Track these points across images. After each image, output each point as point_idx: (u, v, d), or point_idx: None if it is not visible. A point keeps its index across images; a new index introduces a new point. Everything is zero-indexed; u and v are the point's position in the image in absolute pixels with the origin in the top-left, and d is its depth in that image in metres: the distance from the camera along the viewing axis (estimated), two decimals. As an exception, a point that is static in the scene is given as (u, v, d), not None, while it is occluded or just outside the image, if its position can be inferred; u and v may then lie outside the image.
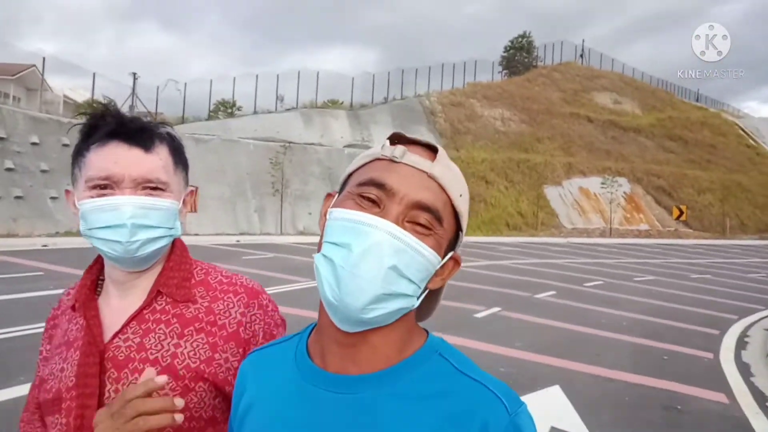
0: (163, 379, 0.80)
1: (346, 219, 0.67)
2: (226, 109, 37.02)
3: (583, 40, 61.72)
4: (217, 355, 0.97)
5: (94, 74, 29.47)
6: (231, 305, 1.01)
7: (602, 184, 36.17)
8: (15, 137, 18.86)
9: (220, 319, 0.99)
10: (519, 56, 56.41)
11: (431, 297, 0.75)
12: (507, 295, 10.38)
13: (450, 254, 0.71)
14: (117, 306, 1.00)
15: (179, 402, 0.80)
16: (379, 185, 0.67)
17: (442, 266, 0.71)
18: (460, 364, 0.70)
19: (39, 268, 10.33)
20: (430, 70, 44.31)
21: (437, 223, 0.68)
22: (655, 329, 8.32)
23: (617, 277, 14.96)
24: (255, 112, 33.78)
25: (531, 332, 7.53)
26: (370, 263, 0.64)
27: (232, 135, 28.75)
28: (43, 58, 28.03)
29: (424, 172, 0.68)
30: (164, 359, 0.94)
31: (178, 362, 0.94)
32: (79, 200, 0.97)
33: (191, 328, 0.97)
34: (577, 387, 5.20)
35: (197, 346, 0.97)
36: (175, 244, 1.06)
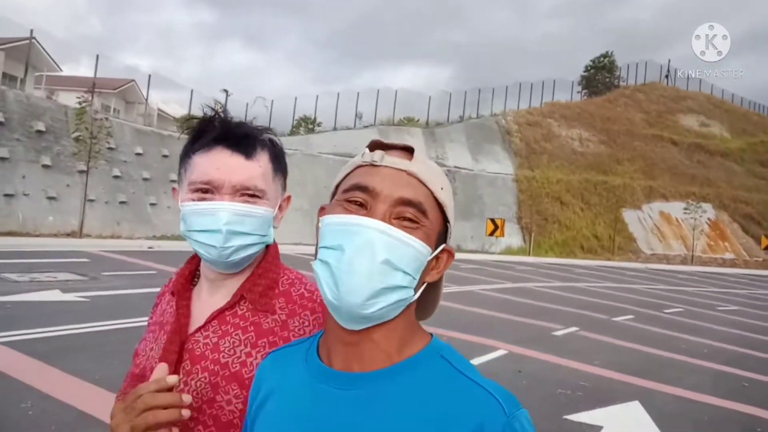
0: (173, 379, 0.83)
1: (336, 223, 0.72)
2: (307, 124, 38.74)
3: (669, 60, 59.41)
4: None
5: (192, 90, 31.54)
6: (306, 323, 1.01)
7: (685, 209, 34.89)
8: (122, 147, 20.78)
9: (293, 335, 0.99)
10: (600, 76, 55.26)
11: (431, 292, 0.79)
12: (584, 316, 10.57)
13: (441, 246, 0.75)
14: (206, 301, 1.04)
15: (186, 398, 0.82)
16: (363, 188, 0.72)
17: (437, 259, 0.75)
18: (461, 366, 0.72)
19: (152, 267, 11.54)
20: (507, 90, 44.30)
21: (423, 216, 0.72)
22: (736, 357, 8.32)
23: (698, 305, 14.65)
24: (335, 129, 35.10)
25: (609, 352, 7.77)
26: (364, 260, 0.68)
27: (312, 150, 30.12)
28: (149, 76, 29.56)
29: (403, 170, 0.73)
30: (233, 365, 0.96)
31: (246, 371, 0.95)
32: (181, 201, 1.02)
33: (265, 339, 0.99)
34: (656, 403, 5.48)
35: None
36: (269, 250, 1.09)
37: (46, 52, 26.04)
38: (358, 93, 37.08)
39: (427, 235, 0.72)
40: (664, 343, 8.89)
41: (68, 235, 17.34)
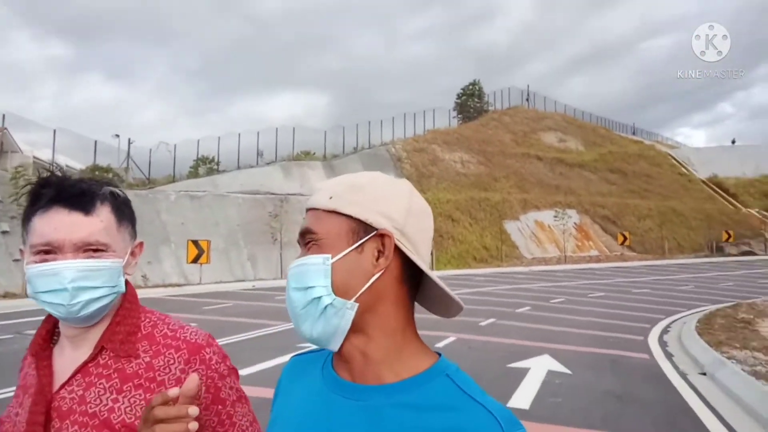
0: (174, 391, 0.84)
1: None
2: (206, 164, 39.67)
3: (528, 85, 67.59)
4: None
5: (54, 131, 28.89)
6: (171, 361, 1.03)
7: (555, 216, 40.41)
8: None
9: (159, 375, 1.01)
10: (471, 102, 60.91)
11: (428, 286, 0.82)
12: (496, 311, 13.66)
13: (364, 239, 0.76)
14: (69, 357, 1.04)
15: (193, 410, 0.83)
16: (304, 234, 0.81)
17: (363, 248, 0.76)
18: (465, 386, 0.75)
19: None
20: (393, 120, 48.30)
21: (313, 235, 0.78)
22: (604, 326, 11.72)
23: (575, 294, 18.53)
24: (238, 168, 36.56)
25: (521, 330, 10.78)
26: (293, 297, 0.79)
27: (220, 190, 31.52)
28: (2, 115, 26.05)
29: (309, 210, 0.81)
30: (101, 414, 0.97)
31: (114, 417, 0.97)
32: (26, 264, 1.01)
33: (130, 384, 1.00)
34: (557, 354, 8.44)
35: (134, 402, 1.00)
36: (126, 297, 1.09)
37: None
38: (258, 132, 38.91)
39: (320, 246, 0.78)
40: (556, 321, 12.16)
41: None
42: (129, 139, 32.84)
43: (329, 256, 0.77)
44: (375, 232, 0.77)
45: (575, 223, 43.44)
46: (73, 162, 29.04)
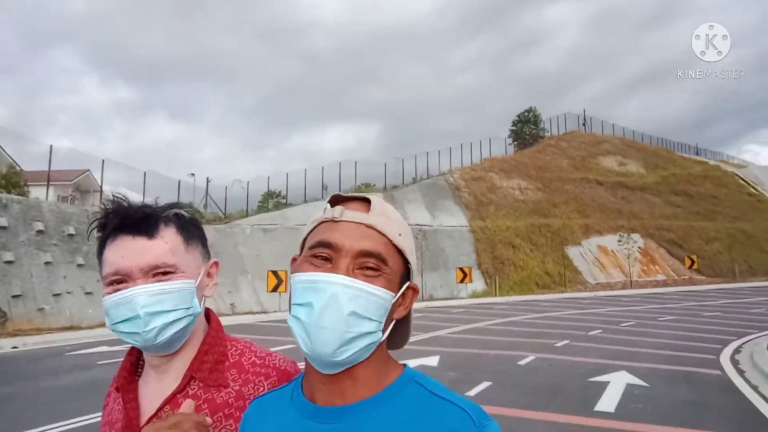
0: (189, 404, 0.90)
1: (304, 281, 0.78)
2: (273, 198, 41.83)
3: (584, 110, 67.44)
4: None
5: (145, 173, 31.53)
6: (261, 389, 1.03)
7: (618, 241, 40.18)
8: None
9: (248, 403, 0.97)
10: (526, 128, 61.20)
11: (401, 325, 0.85)
12: (569, 334, 14.34)
13: (406, 284, 0.81)
14: (155, 388, 1.04)
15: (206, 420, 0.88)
16: (327, 245, 0.78)
17: (403, 296, 0.81)
18: (434, 388, 0.79)
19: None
20: (451, 151, 49.45)
21: (383, 264, 0.77)
22: (676, 347, 12.23)
23: (645, 318, 18.82)
24: (305, 201, 38.48)
25: (596, 351, 11.47)
26: (331, 314, 0.74)
27: (290, 223, 33.34)
28: (102, 161, 27.93)
29: (362, 224, 0.79)
30: None
31: None
32: (103, 297, 1.01)
33: (220, 414, 1.00)
34: (634, 371, 9.15)
35: None
36: (210, 325, 1.09)
37: (4, 150, 26.85)
38: (323, 167, 40.91)
39: (388, 280, 0.78)
40: (628, 342, 12.75)
41: (97, 326, 19.65)
42: (207, 178, 35.34)
43: (394, 295, 0.79)
44: (408, 284, 0.82)
45: (640, 248, 42.93)
46: (150, 200, 31.41)
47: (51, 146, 25.04)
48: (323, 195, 39.69)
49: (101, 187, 28.81)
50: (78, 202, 36.07)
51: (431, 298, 33.39)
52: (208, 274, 1.10)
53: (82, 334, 15.88)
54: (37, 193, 23.74)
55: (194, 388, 1.02)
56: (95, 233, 1.06)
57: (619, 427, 5.93)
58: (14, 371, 9.97)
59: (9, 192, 21.02)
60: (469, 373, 8.96)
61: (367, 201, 0.82)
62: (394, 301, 0.79)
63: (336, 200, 0.83)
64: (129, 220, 1.01)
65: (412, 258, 0.81)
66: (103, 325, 19.17)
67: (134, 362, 1.08)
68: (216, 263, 1.12)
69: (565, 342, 12.79)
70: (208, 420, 0.89)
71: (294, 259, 0.85)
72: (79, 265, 20.80)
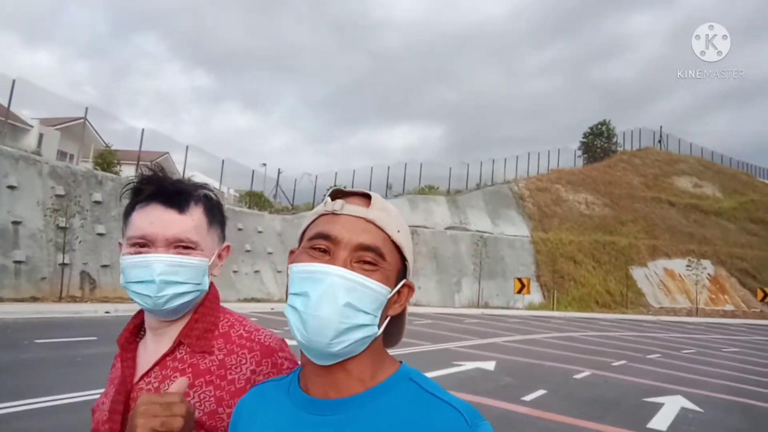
0: (182, 381, 0.90)
1: (302, 271, 0.79)
2: (339, 194, 42.58)
3: (661, 127, 64.87)
4: (221, 409, 1.02)
5: (223, 161, 31.83)
6: (243, 361, 1.07)
7: (687, 266, 38.81)
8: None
9: (230, 373, 1.05)
10: (598, 141, 59.62)
11: (396, 323, 0.86)
12: (626, 355, 14.38)
13: (402, 282, 0.82)
14: (151, 350, 1.11)
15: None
16: (326, 236, 0.78)
17: (398, 294, 0.82)
18: (429, 387, 0.79)
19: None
20: (517, 159, 49.01)
21: (381, 259, 0.78)
22: (737, 379, 12.09)
23: (708, 347, 18.43)
24: (370, 199, 39.24)
25: (652, 373, 11.54)
26: (327, 304, 0.75)
27: (354, 219, 34.14)
28: (186, 147, 29.40)
29: (361, 218, 0.79)
30: None
31: None
32: (122, 255, 1.08)
33: (202, 379, 1.05)
34: (690, 396, 9.25)
35: (204, 398, 1.03)
36: (207, 296, 1.15)
37: (95, 130, 28.45)
38: (388, 167, 41.61)
39: (385, 276, 0.79)
40: (687, 369, 12.71)
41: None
42: (279, 169, 36.84)
43: (390, 290, 0.80)
44: (404, 282, 0.83)
45: (709, 275, 41.31)
46: (226, 186, 33.00)
47: (143, 130, 27.03)
48: (387, 194, 40.38)
49: (184, 170, 30.65)
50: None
51: (486, 306, 33.52)
52: (219, 256, 1.16)
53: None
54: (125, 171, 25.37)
55: (182, 353, 1.08)
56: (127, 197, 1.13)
57: (670, 446, 6.22)
58: (110, 333, 11.12)
59: (104, 170, 22.85)
60: (525, 380, 9.35)
61: (368, 196, 0.83)
62: (389, 296, 0.80)
63: (337, 194, 0.84)
64: (164, 190, 1.08)
65: (409, 255, 0.83)
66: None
67: (138, 325, 1.15)
68: (228, 247, 1.19)
69: (623, 362, 12.88)
70: (196, 414, 0.89)
71: (292, 252, 0.85)
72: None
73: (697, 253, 42.01)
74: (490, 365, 10.56)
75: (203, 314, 1.12)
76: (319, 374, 0.81)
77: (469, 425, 0.73)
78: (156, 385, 1.04)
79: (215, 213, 1.15)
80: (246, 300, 23.61)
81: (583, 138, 60.59)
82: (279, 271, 26.29)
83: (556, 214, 44.36)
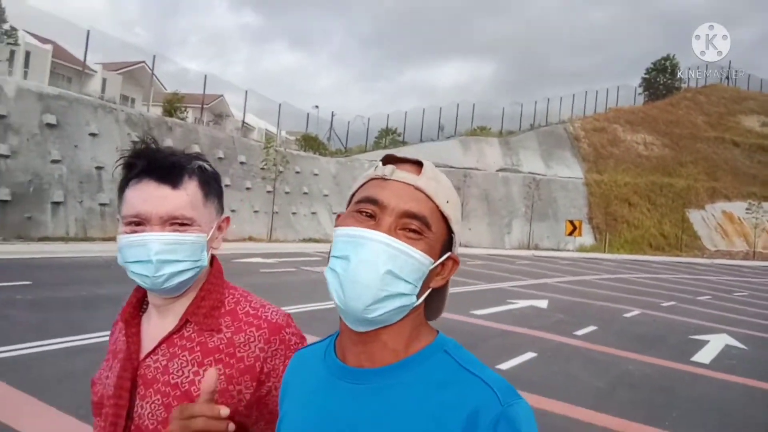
0: (225, 411, 0.86)
1: (345, 234, 0.77)
2: (389, 135, 43.11)
3: (730, 62, 61.02)
4: (231, 387, 1.03)
5: (280, 105, 32.70)
6: (252, 339, 1.06)
7: (747, 209, 37.78)
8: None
9: (239, 351, 1.04)
10: (661, 78, 57.11)
11: (437, 296, 0.84)
12: (676, 296, 14.84)
13: (446, 254, 0.80)
14: (156, 326, 1.09)
15: (224, 411, 0.86)
16: (373, 201, 0.77)
17: (442, 266, 0.80)
18: (463, 360, 0.77)
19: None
20: (574, 97, 47.70)
21: (427, 228, 0.76)
22: (789, 320, 12.45)
23: (761, 290, 18.53)
24: (421, 141, 39.28)
25: (700, 314, 12.02)
26: (367, 270, 0.73)
27: (406, 161, 34.60)
28: (245, 92, 29.88)
29: (410, 185, 0.77)
30: (183, 385, 1.02)
31: (194, 390, 1.01)
32: (118, 234, 1.06)
33: (211, 358, 1.04)
34: (736, 335, 9.74)
35: None
36: (212, 272, 1.13)
37: (154, 74, 28.70)
38: (440, 108, 41.37)
39: (429, 246, 0.77)
40: (736, 311, 13.11)
41: (247, 239, 22.47)
42: (332, 112, 37.53)
43: (433, 261, 0.78)
44: (449, 255, 0.81)
45: (771, 218, 40.08)
46: (281, 130, 33.97)
47: (205, 76, 27.94)
48: (439, 135, 40.29)
49: (244, 114, 31.73)
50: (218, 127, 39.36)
51: (537, 248, 33.94)
52: (219, 228, 1.14)
53: (232, 246, 18.59)
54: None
55: (189, 331, 1.07)
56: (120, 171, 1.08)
57: (711, 375, 6.86)
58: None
59: (171, 115, 24.10)
60: (577, 317, 10.06)
61: (420, 164, 0.81)
62: (432, 267, 0.78)
63: (388, 160, 0.82)
64: (156, 165, 1.05)
65: (456, 228, 0.81)
66: (248, 239, 22.07)
67: (140, 299, 1.14)
68: (227, 219, 1.17)
69: (672, 303, 13.37)
70: (224, 411, 0.87)
71: (339, 216, 0.84)
72: (226, 185, 23.66)
73: (759, 195, 40.66)
74: (543, 303, 11.29)
75: (209, 291, 1.11)
76: (355, 342, 0.80)
77: (501, 404, 0.70)
78: (164, 363, 1.04)
79: (211, 185, 1.12)
80: (305, 240, 24.92)
81: (645, 74, 58.22)
82: (335, 213, 27.31)
83: (612, 155, 43.50)
